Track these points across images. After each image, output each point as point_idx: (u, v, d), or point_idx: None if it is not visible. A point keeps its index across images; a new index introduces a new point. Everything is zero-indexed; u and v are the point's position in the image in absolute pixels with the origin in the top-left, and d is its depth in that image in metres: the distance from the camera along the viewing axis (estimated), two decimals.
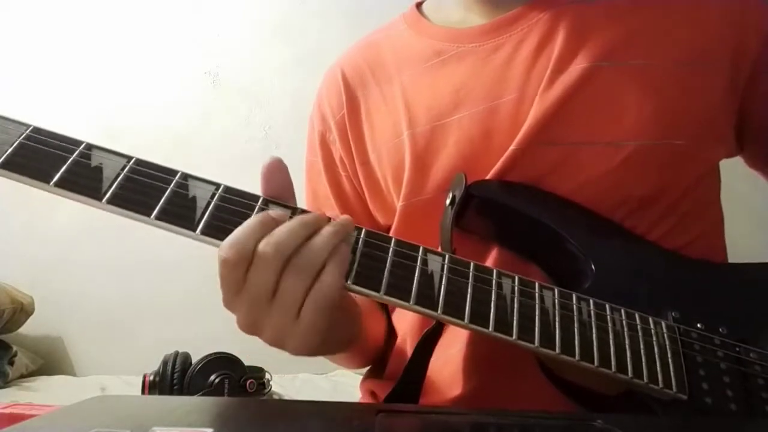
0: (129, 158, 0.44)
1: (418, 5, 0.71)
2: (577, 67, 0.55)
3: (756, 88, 0.59)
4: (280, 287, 0.40)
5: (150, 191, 0.43)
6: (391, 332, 0.68)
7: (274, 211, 0.43)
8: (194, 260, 1.44)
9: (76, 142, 0.44)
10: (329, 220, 0.44)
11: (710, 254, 0.58)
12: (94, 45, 1.87)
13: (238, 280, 0.40)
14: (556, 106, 0.55)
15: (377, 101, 0.66)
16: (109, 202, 0.42)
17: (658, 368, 0.45)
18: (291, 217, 0.43)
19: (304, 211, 0.45)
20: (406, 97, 0.63)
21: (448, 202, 0.55)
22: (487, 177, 0.55)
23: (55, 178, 0.42)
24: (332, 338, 0.48)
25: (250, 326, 0.42)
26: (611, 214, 0.54)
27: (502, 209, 0.55)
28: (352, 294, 0.45)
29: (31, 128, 0.44)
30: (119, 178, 0.43)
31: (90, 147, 0.44)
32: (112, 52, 1.87)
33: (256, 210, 0.43)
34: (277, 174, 0.45)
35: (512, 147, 0.55)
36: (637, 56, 0.56)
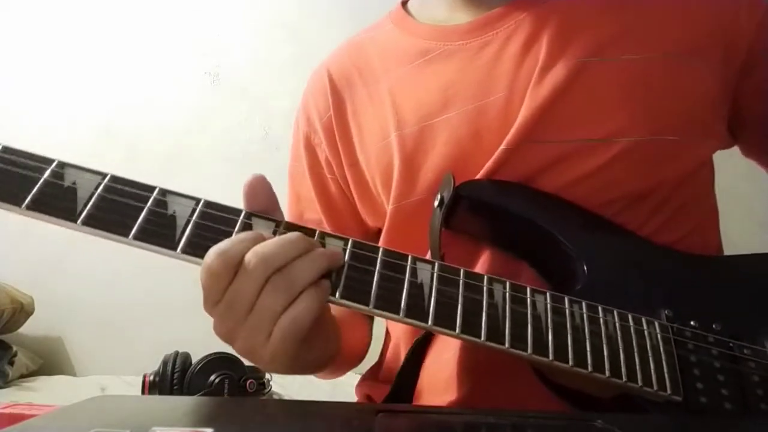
0: (104, 175, 0.42)
1: (404, 3, 0.69)
2: (567, 63, 0.55)
3: (749, 78, 0.58)
4: (258, 303, 0.40)
5: (127, 210, 0.41)
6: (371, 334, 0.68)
7: (264, 230, 0.42)
8: None
9: (48, 161, 0.42)
10: (322, 241, 0.43)
11: (704, 248, 0.57)
12: (94, 45, 1.87)
13: (220, 289, 0.40)
14: (546, 103, 0.54)
15: (364, 102, 0.65)
16: (85, 223, 0.40)
17: (652, 371, 0.44)
18: (275, 231, 0.43)
19: (289, 224, 0.44)
20: (393, 98, 0.62)
21: (436, 203, 0.54)
22: (477, 176, 0.55)
23: (27, 201, 0.40)
24: (306, 360, 0.47)
25: (225, 335, 0.42)
26: (603, 210, 0.54)
27: (491, 209, 0.54)
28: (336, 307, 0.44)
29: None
30: (94, 198, 0.41)
31: (62, 165, 0.42)
32: (112, 52, 1.87)
33: (238, 225, 0.42)
34: (261, 191, 0.44)
35: (502, 146, 0.54)
36: (627, 51, 0.55)
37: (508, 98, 0.56)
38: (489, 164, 0.55)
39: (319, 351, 0.49)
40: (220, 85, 1.87)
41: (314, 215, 0.69)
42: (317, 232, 0.44)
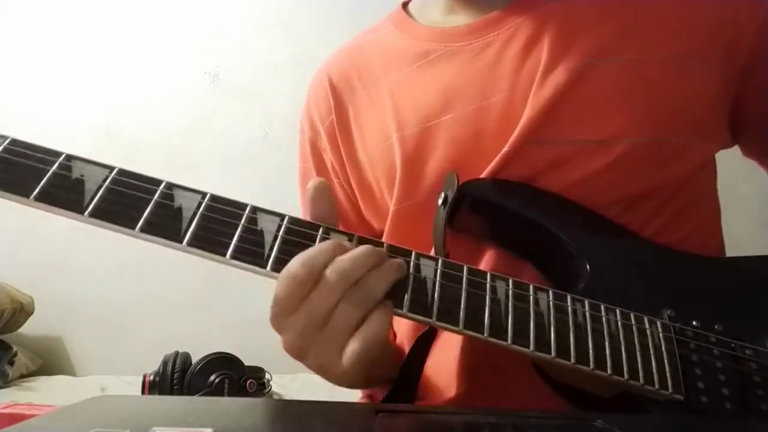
0: (111, 168, 0.43)
1: (405, 5, 0.69)
2: (569, 65, 0.55)
3: (750, 79, 0.58)
4: (334, 316, 0.40)
5: (134, 203, 0.42)
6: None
7: (346, 241, 0.43)
8: (195, 260, 1.43)
9: (56, 153, 0.42)
10: (388, 252, 0.44)
11: (706, 249, 0.57)
12: (94, 45, 1.87)
13: (299, 298, 0.40)
14: (549, 105, 0.54)
15: (365, 105, 0.65)
16: (92, 215, 0.41)
17: (654, 369, 0.44)
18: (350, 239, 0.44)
19: (362, 238, 0.45)
20: (394, 100, 0.62)
21: (440, 202, 0.54)
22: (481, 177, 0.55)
23: (35, 192, 0.40)
24: (375, 377, 0.48)
25: (297, 348, 0.42)
26: (604, 211, 0.54)
27: (494, 208, 0.54)
28: None
29: (8, 140, 0.42)
30: (101, 190, 0.42)
31: (70, 158, 0.42)
32: (112, 52, 1.87)
33: (244, 218, 0.43)
34: (321, 196, 0.45)
35: (505, 148, 0.54)
36: (628, 52, 0.55)
37: (509, 100, 0.56)
38: (491, 165, 0.55)
39: (387, 369, 0.50)
40: (220, 85, 1.87)
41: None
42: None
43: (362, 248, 0.42)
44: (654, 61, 0.55)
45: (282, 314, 0.41)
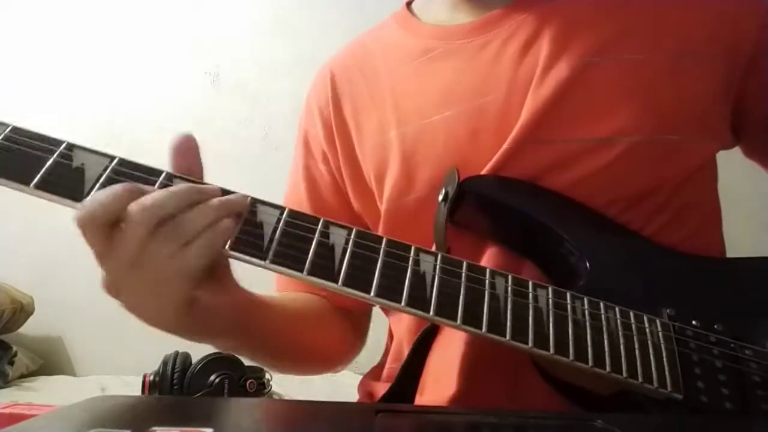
0: (111, 158, 0.43)
1: (408, 4, 0.70)
2: (568, 63, 0.55)
3: (752, 78, 0.58)
4: (144, 252, 0.39)
5: None
6: (362, 336, 0.70)
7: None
8: None
9: (57, 142, 0.42)
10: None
11: (707, 249, 0.57)
12: (94, 45, 1.87)
13: (102, 240, 0.39)
14: (548, 103, 0.54)
15: (365, 101, 0.65)
16: None
17: (653, 367, 0.44)
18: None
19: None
20: (394, 96, 0.62)
21: (440, 198, 0.54)
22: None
23: (35, 180, 0.40)
24: (203, 327, 0.46)
25: (110, 289, 0.42)
26: (605, 210, 0.54)
27: (495, 205, 0.54)
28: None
29: (10, 128, 0.42)
30: (102, 179, 0.41)
31: (71, 147, 0.42)
32: (112, 52, 1.87)
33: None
34: (188, 152, 0.45)
35: (505, 145, 0.54)
36: (628, 51, 0.55)
37: (506, 98, 0.56)
38: (491, 163, 0.55)
39: (220, 322, 0.47)
40: (220, 85, 1.87)
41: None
42: (321, 220, 0.44)
43: (176, 186, 0.41)
44: (655, 60, 0.55)
45: (97, 257, 0.40)
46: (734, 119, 0.60)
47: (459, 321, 0.42)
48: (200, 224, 0.40)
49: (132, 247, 0.39)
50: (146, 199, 0.39)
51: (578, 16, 0.57)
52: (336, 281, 0.42)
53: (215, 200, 0.42)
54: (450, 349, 0.55)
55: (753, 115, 0.61)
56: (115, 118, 1.83)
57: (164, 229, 0.39)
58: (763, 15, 0.57)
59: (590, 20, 0.57)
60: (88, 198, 0.40)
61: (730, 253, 0.62)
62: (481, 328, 0.43)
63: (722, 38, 0.57)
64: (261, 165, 1.76)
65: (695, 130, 0.56)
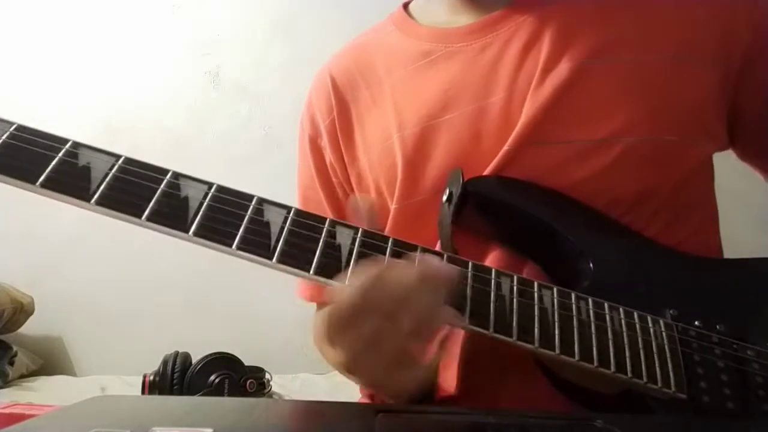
0: (117, 157, 0.43)
1: (405, 5, 0.70)
2: (568, 65, 0.55)
3: (748, 80, 0.58)
4: (393, 342, 0.40)
5: (140, 191, 0.41)
6: None
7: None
8: (195, 260, 1.44)
9: (63, 141, 0.42)
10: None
11: (706, 249, 0.58)
12: (94, 45, 1.87)
13: (361, 318, 0.39)
14: (548, 105, 0.54)
15: (367, 104, 0.65)
16: (98, 203, 0.40)
17: (657, 368, 0.45)
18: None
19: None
20: (395, 99, 0.62)
21: (444, 198, 0.54)
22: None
23: (41, 179, 0.40)
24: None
25: (347, 367, 0.42)
26: (607, 211, 0.54)
27: (499, 205, 0.55)
28: None
29: (15, 126, 0.42)
30: (108, 178, 0.41)
31: (77, 145, 0.42)
32: (112, 52, 1.87)
33: (250, 209, 0.43)
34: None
35: (505, 147, 0.54)
36: (626, 53, 0.56)
37: (507, 100, 0.56)
38: (492, 165, 0.55)
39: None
40: (220, 85, 1.87)
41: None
42: (328, 219, 0.45)
43: (417, 272, 0.41)
44: (653, 60, 0.56)
45: (340, 326, 0.40)
46: (730, 119, 0.61)
47: (466, 321, 0.43)
48: (439, 306, 0.41)
49: (387, 339, 0.39)
50: (418, 305, 0.39)
51: (577, 17, 0.58)
52: (342, 280, 0.42)
53: (441, 280, 0.42)
54: (453, 349, 0.55)
55: (749, 115, 0.61)
56: (116, 118, 1.83)
57: (418, 328, 0.40)
58: (759, 14, 0.57)
59: (589, 22, 0.57)
60: (374, 274, 0.39)
61: (730, 253, 0.62)
62: (488, 329, 0.43)
63: (719, 38, 0.57)
64: (261, 164, 1.76)
65: (694, 130, 0.56)
